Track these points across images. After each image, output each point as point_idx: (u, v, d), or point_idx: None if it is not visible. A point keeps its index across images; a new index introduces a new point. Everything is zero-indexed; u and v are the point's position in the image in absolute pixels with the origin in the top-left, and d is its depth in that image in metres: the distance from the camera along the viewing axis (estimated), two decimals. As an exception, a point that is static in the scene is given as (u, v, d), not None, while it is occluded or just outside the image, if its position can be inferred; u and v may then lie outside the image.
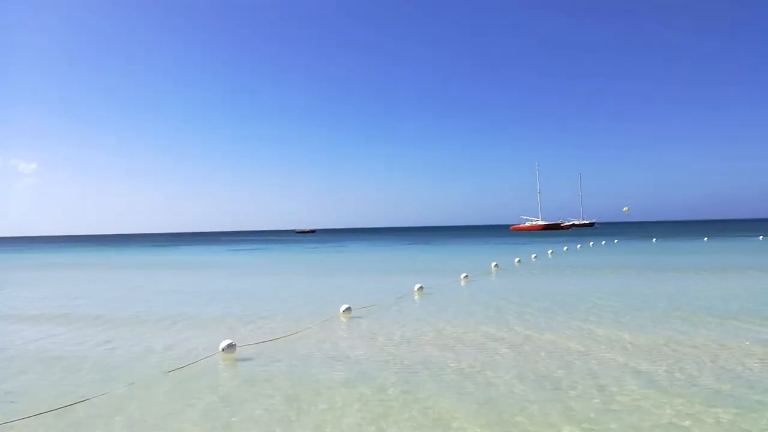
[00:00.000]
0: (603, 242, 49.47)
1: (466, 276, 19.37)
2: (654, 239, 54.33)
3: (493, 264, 23.35)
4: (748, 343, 8.36)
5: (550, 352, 8.06)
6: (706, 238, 52.59)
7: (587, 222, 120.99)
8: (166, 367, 7.68)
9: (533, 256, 30.54)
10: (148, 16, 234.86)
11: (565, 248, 37.91)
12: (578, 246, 41.79)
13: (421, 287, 15.66)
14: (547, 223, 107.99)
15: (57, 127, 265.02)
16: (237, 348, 8.36)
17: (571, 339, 8.89)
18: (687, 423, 5.13)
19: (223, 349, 8.21)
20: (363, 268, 28.97)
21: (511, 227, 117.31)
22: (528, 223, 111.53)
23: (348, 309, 11.65)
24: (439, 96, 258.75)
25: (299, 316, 12.03)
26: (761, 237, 51.47)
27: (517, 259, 27.05)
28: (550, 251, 34.15)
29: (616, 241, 52.48)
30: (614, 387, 6.26)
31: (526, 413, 5.47)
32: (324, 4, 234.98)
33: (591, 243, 46.68)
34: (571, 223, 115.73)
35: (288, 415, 5.59)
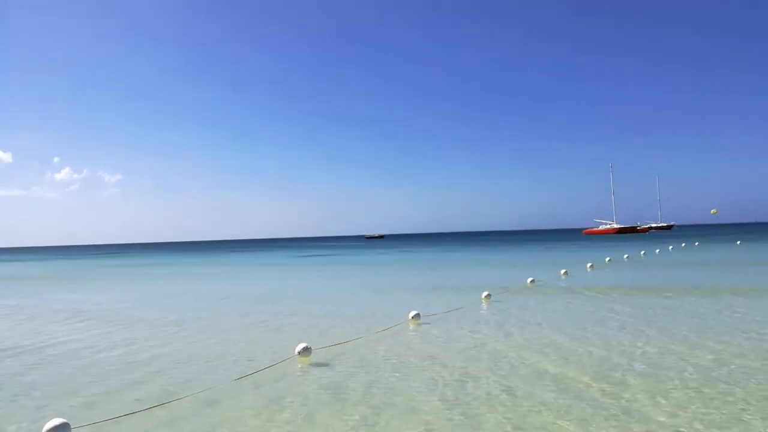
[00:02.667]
0: (683, 244, 47.31)
1: (533, 280, 19.11)
2: (738, 242, 51.37)
3: (562, 271, 22.80)
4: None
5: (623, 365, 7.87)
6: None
7: (665, 225, 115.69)
8: (243, 369, 8.06)
9: (607, 259, 29.61)
10: (233, 32, 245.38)
11: (642, 252, 36.45)
12: (657, 250, 40.14)
13: (488, 294, 15.57)
14: (622, 226, 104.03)
15: (140, 140, 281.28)
16: (312, 351, 8.66)
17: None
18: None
19: (299, 352, 8.54)
20: (430, 273, 28.99)
21: (584, 231, 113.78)
22: (602, 227, 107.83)
23: (417, 315, 11.78)
24: (506, 95, 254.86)
25: (369, 320, 12.28)
26: None
27: (589, 264, 26.32)
28: (625, 255, 32.98)
29: (696, 244, 50.02)
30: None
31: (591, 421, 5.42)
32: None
33: (671, 247, 44.67)
34: (648, 225, 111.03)
35: (360, 421, 5.78)
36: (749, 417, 5.41)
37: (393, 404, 6.20)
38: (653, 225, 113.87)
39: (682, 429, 5.14)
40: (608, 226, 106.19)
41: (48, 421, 5.35)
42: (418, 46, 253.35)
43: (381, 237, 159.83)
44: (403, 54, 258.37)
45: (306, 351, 8.55)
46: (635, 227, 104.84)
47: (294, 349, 8.66)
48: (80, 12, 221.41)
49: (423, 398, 6.40)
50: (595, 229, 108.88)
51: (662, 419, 5.41)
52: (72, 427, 5.37)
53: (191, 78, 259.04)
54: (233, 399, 6.64)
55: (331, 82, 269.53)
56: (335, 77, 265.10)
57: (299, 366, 8.22)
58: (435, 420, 5.63)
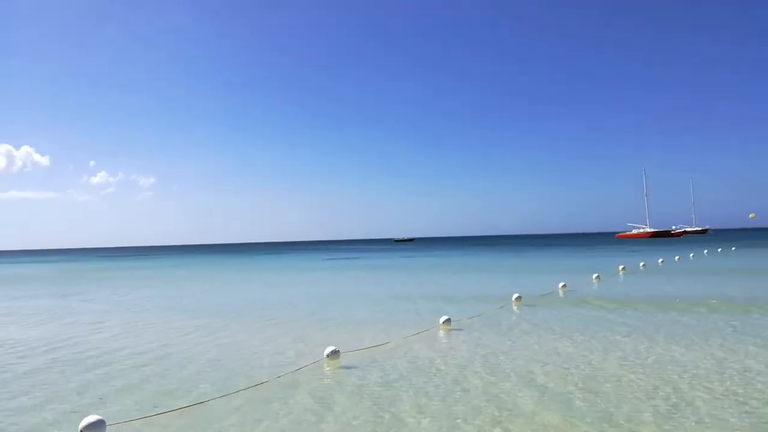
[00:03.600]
0: (719, 249, 46.17)
1: (564, 285, 18.84)
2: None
3: (594, 275, 22.44)
4: None
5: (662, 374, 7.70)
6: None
7: (700, 229, 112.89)
8: (274, 371, 8.13)
9: (641, 264, 29.02)
10: (263, 41, 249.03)
11: (677, 257, 35.63)
12: (691, 254, 39.23)
13: (519, 297, 15.41)
14: (655, 230, 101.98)
15: (173, 144, 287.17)
16: (341, 354, 8.69)
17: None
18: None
19: (327, 355, 8.57)
20: (460, 277, 28.85)
21: (617, 235, 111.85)
22: (635, 231, 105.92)
23: (447, 320, 11.71)
24: (538, 99, 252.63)
25: (399, 324, 12.27)
26: None
27: (621, 267, 25.84)
28: (660, 260, 32.28)
29: (733, 248, 48.73)
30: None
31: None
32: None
33: (706, 251, 43.62)
34: (682, 229, 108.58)
35: (385, 425, 5.77)
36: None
37: (419, 409, 6.18)
38: (688, 229, 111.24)
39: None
40: (641, 230, 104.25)
41: (84, 417, 5.47)
42: (450, 52, 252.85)
43: (411, 240, 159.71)
44: (436, 61, 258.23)
45: (334, 354, 8.57)
46: (669, 231, 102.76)
47: (323, 352, 8.70)
48: (111, 17, 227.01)
49: (450, 404, 6.35)
50: (628, 233, 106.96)
51: None
52: (107, 424, 5.48)
53: (224, 83, 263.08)
54: (261, 400, 6.69)
55: (358, 87, 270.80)
56: (363, 81, 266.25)
57: (328, 369, 8.25)
58: (461, 426, 5.58)
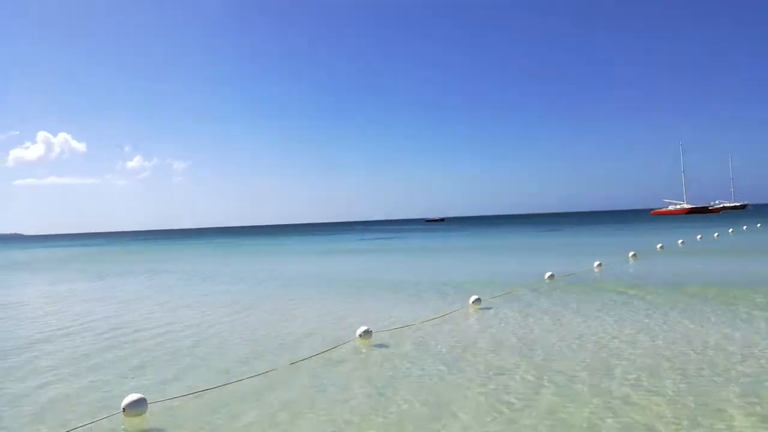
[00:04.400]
0: (758, 225, 44.86)
1: (600, 263, 18.55)
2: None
3: (631, 254, 22.02)
4: None
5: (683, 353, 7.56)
6: None
7: (738, 204, 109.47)
8: (306, 350, 8.24)
9: (680, 241, 28.35)
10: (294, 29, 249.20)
11: (716, 234, 34.68)
12: (730, 230, 38.19)
13: (552, 275, 15.26)
14: (692, 206, 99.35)
15: (205, 130, 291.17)
16: (373, 334, 8.77)
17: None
18: None
19: (360, 335, 8.66)
20: (492, 255, 28.70)
21: (652, 212, 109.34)
22: (671, 207, 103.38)
23: (477, 300, 11.68)
24: (573, 75, 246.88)
25: (429, 304, 12.32)
26: None
27: (659, 245, 25.32)
28: (699, 236, 31.49)
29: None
30: None
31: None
32: None
33: (745, 227, 42.35)
34: (721, 205, 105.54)
35: (417, 404, 5.81)
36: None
37: (449, 389, 6.20)
38: (726, 204, 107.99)
39: None
40: (678, 207, 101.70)
41: (126, 396, 5.66)
42: (486, 33, 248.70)
43: (441, 220, 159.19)
44: (471, 43, 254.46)
45: (367, 334, 8.65)
46: (707, 207, 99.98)
47: (355, 332, 8.79)
48: (143, 6, 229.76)
49: (478, 384, 6.36)
50: (665, 209, 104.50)
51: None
52: (148, 402, 5.66)
53: (252, 72, 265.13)
54: (296, 379, 6.81)
55: (393, 73, 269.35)
56: (400, 70, 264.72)
57: (360, 348, 8.33)
58: (488, 405, 5.58)
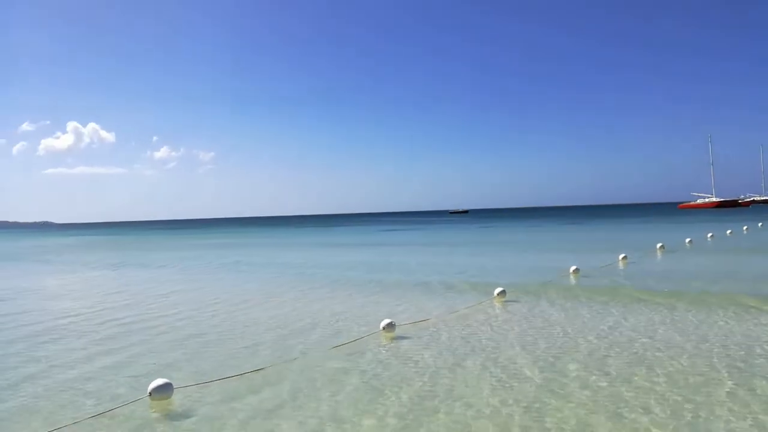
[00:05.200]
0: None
1: (625, 257, 18.27)
2: None
3: (659, 245, 21.64)
4: None
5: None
6: None
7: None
8: (330, 341, 8.30)
9: (709, 235, 27.78)
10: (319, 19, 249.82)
11: (745, 228, 33.89)
12: (759, 224, 37.32)
13: (576, 269, 15.08)
14: (722, 199, 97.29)
15: (231, 120, 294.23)
16: (396, 327, 8.75)
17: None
18: None
19: (383, 328, 8.66)
20: (516, 248, 28.47)
21: (680, 205, 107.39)
22: (699, 200, 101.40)
23: (502, 292, 11.59)
24: (598, 64, 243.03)
25: (454, 297, 12.30)
26: None
27: (688, 240, 24.84)
28: (728, 231, 30.82)
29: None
30: None
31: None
32: None
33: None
34: (751, 199, 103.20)
35: (438, 396, 5.78)
36: None
37: (469, 380, 6.17)
38: (756, 198, 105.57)
39: None
40: (707, 200, 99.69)
41: (153, 380, 5.74)
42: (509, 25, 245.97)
43: (465, 212, 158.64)
44: (494, 34, 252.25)
45: (390, 327, 8.64)
46: (737, 201, 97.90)
47: (379, 324, 8.79)
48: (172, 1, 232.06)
49: (499, 376, 6.30)
50: (693, 203, 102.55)
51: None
52: (174, 387, 5.74)
53: (279, 61, 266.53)
54: (319, 369, 6.85)
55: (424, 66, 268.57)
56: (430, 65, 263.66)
57: (383, 341, 8.33)
58: (512, 398, 5.53)
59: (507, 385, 5.97)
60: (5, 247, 50.53)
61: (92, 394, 6.07)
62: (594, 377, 6.12)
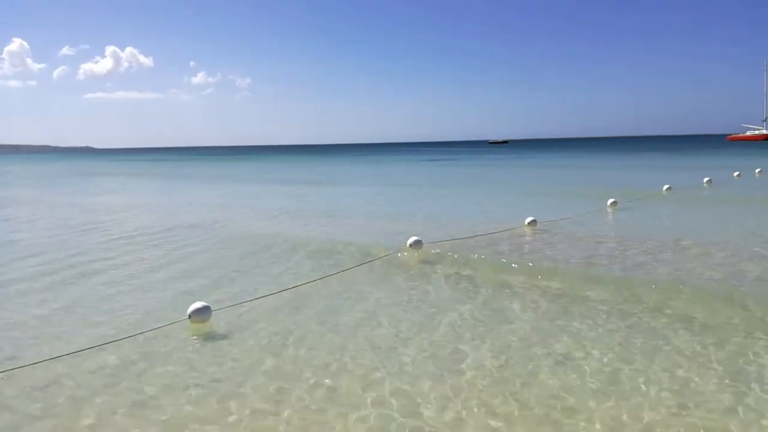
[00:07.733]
0: None
1: (669, 187, 17.80)
2: None
3: (705, 179, 20.79)
4: None
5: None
6: None
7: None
8: (360, 257, 8.69)
9: (758, 171, 26.56)
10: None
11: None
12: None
13: (615, 201, 14.57)
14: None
15: (268, 46, 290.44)
16: (423, 245, 9.02)
17: None
18: None
19: (410, 245, 8.94)
20: (553, 178, 27.95)
21: (728, 137, 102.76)
22: (749, 133, 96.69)
23: (533, 221, 11.38)
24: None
25: (485, 221, 12.36)
26: None
27: (736, 173, 23.82)
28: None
29: None
30: None
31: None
32: None
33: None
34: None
35: (463, 319, 5.79)
36: None
37: (496, 302, 6.17)
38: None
39: None
40: (758, 132, 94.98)
41: (192, 303, 5.91)
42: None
43: (505, 142, 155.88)
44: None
45: (417, 244, 8.92)
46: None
47: (406, 242, 9.02)
48: None
49: (529, 302, 6.27)
50: (742, 134, 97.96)
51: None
52: (212, 309, 5.90)
53: None
54: (351, 283, 7.18)
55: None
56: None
57: (410, 257, 8.67)
58: (544, 323, 5.51)
59: (540, 311, 5.96)
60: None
61: (133, 314, 6.27)
62: (626, 307, 6.03)
